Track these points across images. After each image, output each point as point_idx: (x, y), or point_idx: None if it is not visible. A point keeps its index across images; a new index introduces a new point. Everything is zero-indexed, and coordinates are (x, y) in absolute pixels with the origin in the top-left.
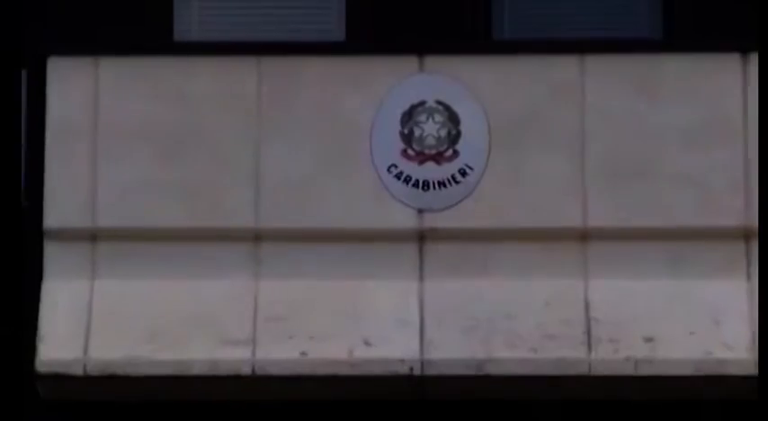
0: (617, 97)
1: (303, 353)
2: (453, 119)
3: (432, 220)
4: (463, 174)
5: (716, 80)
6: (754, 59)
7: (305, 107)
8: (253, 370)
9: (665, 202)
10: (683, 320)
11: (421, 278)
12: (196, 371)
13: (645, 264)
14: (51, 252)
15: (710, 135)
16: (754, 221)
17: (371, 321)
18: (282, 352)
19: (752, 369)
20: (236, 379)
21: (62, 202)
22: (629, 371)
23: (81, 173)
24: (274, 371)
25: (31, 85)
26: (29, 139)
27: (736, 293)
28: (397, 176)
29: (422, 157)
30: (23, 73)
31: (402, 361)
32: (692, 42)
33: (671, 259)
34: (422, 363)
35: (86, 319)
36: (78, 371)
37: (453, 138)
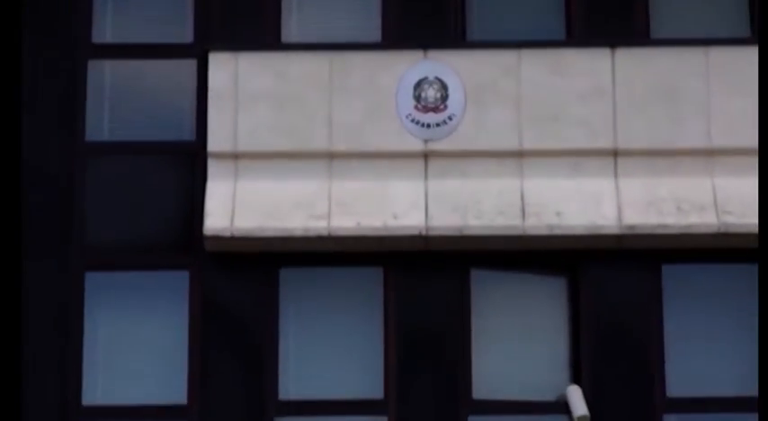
0: (543, 75)
1: (358, 223)
2: (444, 87)
3: (432, 146)
4: (450, 118)
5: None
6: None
7: (358, 81)
8: (329, 233)
9: (565, 134)
10: (578, 202)
11: (426, 178)
12: (296, 234)
13: (557, 169)
14: (212, 165)
15: None
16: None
17: (397, 204)
18: (346, 222)
19: (619, 229)
20: (320, 239)
21: (218, 137)
22: (545, 231)
23: (228, 120)
24: (341, 233)
25: (200, 68)
26: (198, 102)
27: (608, 187)
28: (412, 121)
29: (426, 109)
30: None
31: (415, 227)
32: (588, 38)
33: (573, 168)
34: (426, 228)
35: (231, 204)
36: (227, 234)
37: (444, 98)
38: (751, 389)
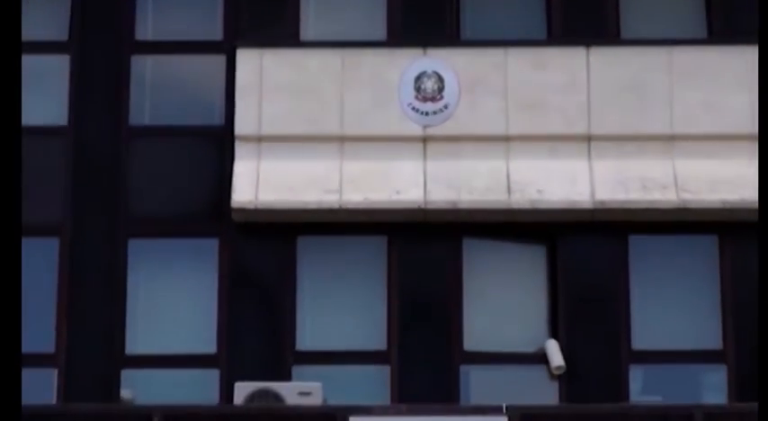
0: (526, 70)
1: (365, 198)
2: (441, 80)
3: (430, 131)
4: (446, 107)
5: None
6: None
7: (366, 74)
8: (340, 206)
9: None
10: (556, 181)
11: (424, 159)
12: (311, 207)
13: (538, 152)
14: (238, 147)
15: None
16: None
17: (399, 181)
18: (355, 197)
19: (592, 204)
20: (332, 211)
21: (244, 122)
22: (527, 206)
23: (252, 108)
24: (350, 206)
25: (228, 63)
26: (227, 92)
27: (582, 167)
28: (412, 109)
29: (425, 99)
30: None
31: (415, 201)
32: (565, 38)
33: (552, 151)
34: (425, 202)
35: (255, 181)
36: (252, 206)
37: (441, 89)
38: (704, 343)
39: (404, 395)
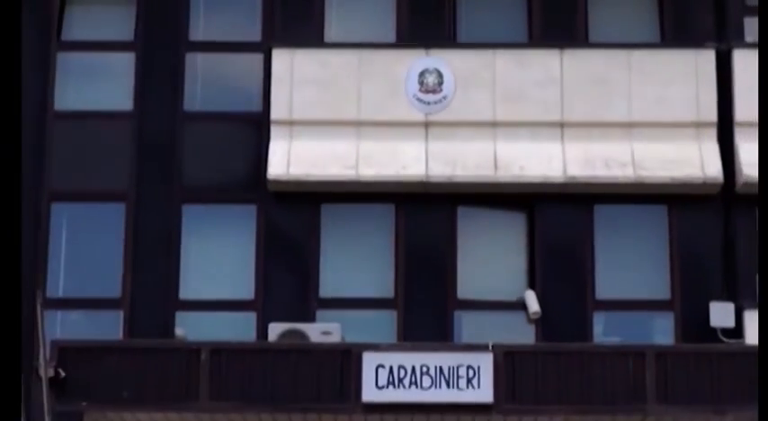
0: (511, 67)
1: (377, 172)
2: (440, 75)
3: (431, 117)
4: (445, 98)
5: None
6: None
7: (378, 70)
8: (356, 179)
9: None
10: (535, 159)
11: (426, 140)
12: (332, 179)
13: (520, 135)
14: (273, 130)
15: None
16: None
17: (405, 158)
18: (369, 171)
19: (564, 179)
20: (349, 183)
21: (278, 109)
22: (511, 180)
23: (285, 97)
24: (365, 179)
25: (265, 60)
26: (264, 84)
27: (556, 149)
28: (417, 99)
29: (427, 91)
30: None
31: (418, 175)
32: (543, 42)
33: (532, 135)
34: (426, 177)
35: (287, 157)
36: (285, 178)
37: (440, 83)
38: (655, 294)
39: (407, 335)
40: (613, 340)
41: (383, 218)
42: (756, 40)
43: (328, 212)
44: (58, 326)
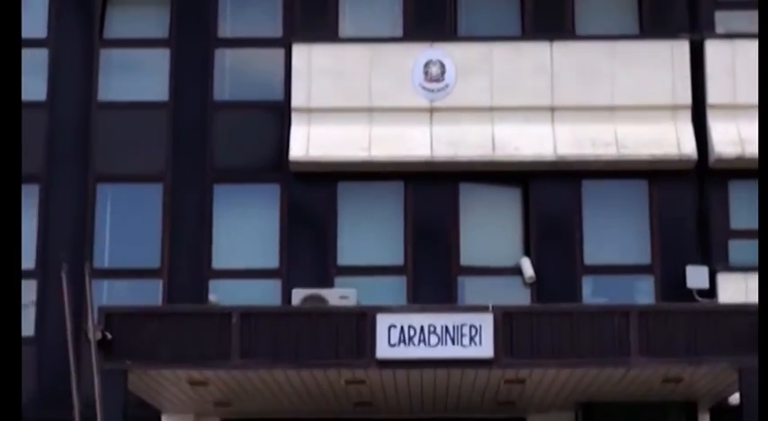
0: (506, 58)
1: (388, 153)
2: (443, 66)
3: (435, 104)
4: (447, 86)
5: None
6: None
7: (388, 61)
8: (369, 159)
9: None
10: (528, 140)
11: (431, 124)
12: (348, 160)
13: (515, 119)
14: (294, 116)
15: None
16: None
17: (412, 141)
18: (380, 152)
19: (555, 158)
20: (363, 163)
21: (298, 97)
22: (507, 159)
23: (304, 87)
24: (377, 160)
25: (286, 54)
26: (285, 75)
27: (548, 130)
28: (422, 87)
29: (431, 80)
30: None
31: (424, 155)
32: (535, 35)
33: (525, 118)
34: (431, 157)
35: (307, 141)
36: (305, 159)
37: (443, 73)
38: (637, 259)
39: (416, 298)
40: (600, 301)
41: (393, 194)
42: (728, 31)
43: (344, 189)
44: (105, 294)
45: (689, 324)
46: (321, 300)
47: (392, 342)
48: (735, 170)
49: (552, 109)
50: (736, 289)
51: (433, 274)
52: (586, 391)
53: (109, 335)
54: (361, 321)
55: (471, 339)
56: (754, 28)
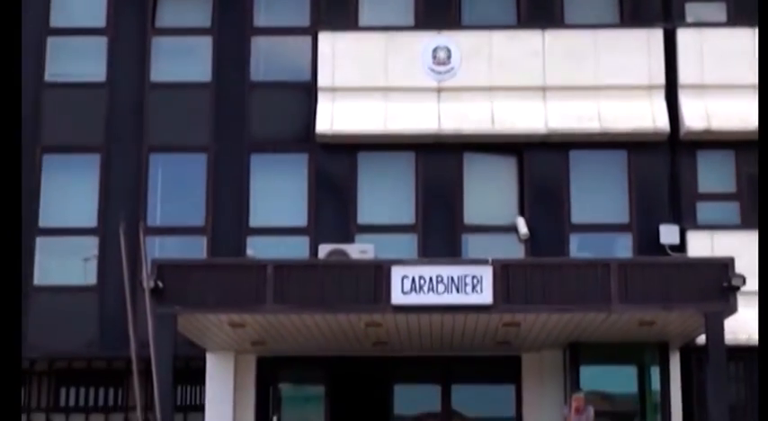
0: (504, 45)
1: (402, 128)
2: (449, 51)
3: (442, 84)
4: (453, 69)
5: None
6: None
7: (401, 47)
8: (385, 132)
9: None
10: (524, 115)
11: (438, 102)
12: (367, 133)
13: (512, 97)
14: (320, 94)
15: None
16: None
17: (422, 115)
18: (395, 126)
19: (546, 131)
20: (380, 135)
21: (324, 78)
22: (505, 132)
23: (329, 69)
24: (392, 132)
25: (313, 41)
26: (312, 59)
27: (540, 107)
28: (431, 70)
29: (439, 64)
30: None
31: (432, 128)
32: (529, 24)
33: (521, 95)
34: (439, 130)
35: (331, 115)
36: (330, 132)
37: (449, 57)
38: (617, 219)
39: (426, 252)
40: (585, 255)
41: (406, 162)
42: (696, 20)
43: (363, 158)
44: (157, 248)
45: (662, 275)
46: (343, 254)
47: (405, 290)
48: (702, 141)
49: (544, 88)
50: (703, 245)
51: (440, 232)
52: (573, 333)
53: (161, 284)
54: (378, 272)
55: (473, 288)
56: (721, 17)
